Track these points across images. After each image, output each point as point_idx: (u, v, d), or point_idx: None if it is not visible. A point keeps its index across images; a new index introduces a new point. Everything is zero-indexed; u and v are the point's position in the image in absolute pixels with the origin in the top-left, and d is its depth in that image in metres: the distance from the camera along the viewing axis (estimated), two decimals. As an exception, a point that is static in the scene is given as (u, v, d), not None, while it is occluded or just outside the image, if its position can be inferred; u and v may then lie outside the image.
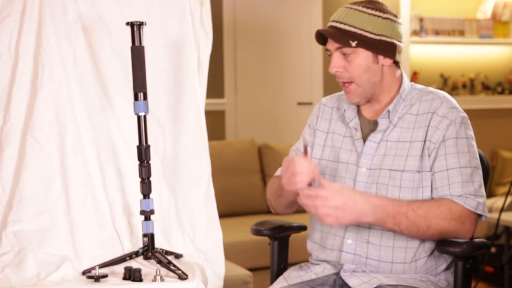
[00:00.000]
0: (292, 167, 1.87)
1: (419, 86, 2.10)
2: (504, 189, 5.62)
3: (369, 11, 1.98)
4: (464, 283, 1.94)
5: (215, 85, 5.13)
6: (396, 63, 2.04)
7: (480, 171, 1.99)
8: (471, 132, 2.01)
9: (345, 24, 1.97)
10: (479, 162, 2.00)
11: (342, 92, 2.18)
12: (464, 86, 5.96)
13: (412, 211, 1.90)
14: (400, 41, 2.02)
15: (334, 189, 1.86)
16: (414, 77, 5.75)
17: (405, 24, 5.61)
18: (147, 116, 2.16)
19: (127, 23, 2.12)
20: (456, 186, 1.93)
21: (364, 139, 2.05)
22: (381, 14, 1.99)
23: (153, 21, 2.33)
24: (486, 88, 6.03)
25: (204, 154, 2.40)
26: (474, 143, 2.01)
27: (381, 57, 2.00)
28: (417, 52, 5.75)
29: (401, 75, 2.08)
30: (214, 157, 2.57)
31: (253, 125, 5.48)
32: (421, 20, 5.72)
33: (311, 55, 5.55)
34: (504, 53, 6.14)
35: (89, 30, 2.29)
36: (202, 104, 2.42)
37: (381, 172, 1.99)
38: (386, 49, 1.99)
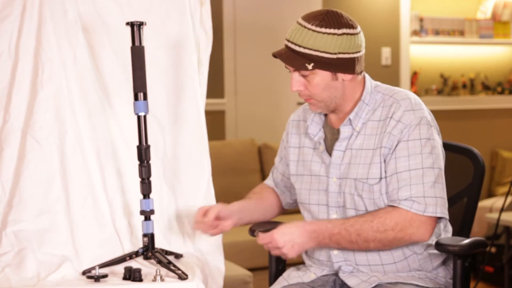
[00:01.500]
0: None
1: (383, 87, 2.04)
2: (504, 189, 5.62)
3: (323, 29, 1.90)
4: (463, 281, 1.94)
5: (215, 85, 5.13)
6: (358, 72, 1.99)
7: (436, 171, 1.93)
8: (428, 132, 1.94)
9: (299, 46, 1.92)
10: (436, 161, 1.93)
11: None
12: (464, 86, 5.95)
13: (345, 230, 1.92)
14: (359, 51, 1.96)
15: (272, 233, 1.95)
16: (414, 77, 5.75)
17: (405, 24, 5.60)
18: (147, 116, 2.16)
19: (127, 23, 2.12)
20: (404, 190, 1.91)
21: (330, 149, 2.04)
22: (336, 30, 1.91)
23: (153, 21, 2.33)
24: (486, 88, 6.02)
25: (204, 154, 2.40)
26: (431, 143, 1.94)
27: (340, 74, 1.96)
28: (417, 52, 5.75)
29: (364, 78, 2.04)
30: (214, 157, 2.57)
31: (253, 125, 5.47)
32: (421, 20, 5.72)
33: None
34: (504, 53, 6.13)
35: (89, 30, 2.29)
36: (202, 104, 2.42)
37: (347, 182, 1.98)
38: (344, 65, 1.94)
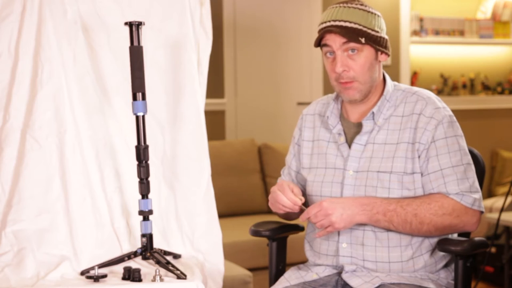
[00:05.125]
0: (277, 198, 2.00)
1: (403, 86, 2.09)
2: (504, 189, 5.62)
3: (364, 7, 1.99)
4: (464, 282, 1.94)
5: (215, 85, 5.12)
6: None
7: (472, 167, 2.00)
8: (459, 130, 2.02)
9: (349, 22, 1.96)
10: (470, 157, 2.01)
11: (323, 97, 2.21)
12: (464, 86, 5.95)
13: (401, 208, 1.93)
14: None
15: (321, 202, 1.94)
16: (414, 77, 5.75)
17: (405, 24, 5.60)
18: (147, 116, 2.16)
19: (126, 23, 2.12)
20: (452, 184, 1.95)
21: (349, 142, 2.05)
22: (373, 10, 2.00)
23: (153, 21, 2.33)
24: (486, 88, 6.02)
25: (204, 154, 2.39)
26: (463, 139, 2.01)
27: (379, 53, 2.01)
28: (417, 52, 5.75)
29: (384, 75, 2.09)
30: (214, 157, 2.57)
31: (253, 125, 5.47)
32: (421, 20, 5.72)
33: (311, 55, 5.55)
34: (504, 53, 6.13)
35: (88, 30, 2.30)
36: (202, 104, 2.42)
37: (369, 175, 1.99)
38: (384, 45, 2.01)
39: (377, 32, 1.99)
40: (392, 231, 1.97)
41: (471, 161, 2.01)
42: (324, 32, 1.98)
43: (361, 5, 1.99)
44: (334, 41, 1.97)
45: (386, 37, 2.03)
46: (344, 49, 1.97)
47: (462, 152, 1.98)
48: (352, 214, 1.92)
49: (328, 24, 1.98)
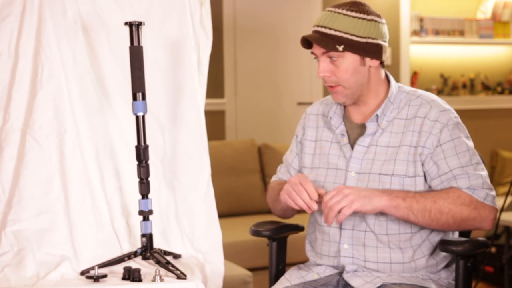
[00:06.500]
0: (297, 189, 1.94)
1: (407, 88, 2.09)
2: (504, 189, 5.62)
3: (353, 14, 1.96)
4: (465, 282, 1.94)
5: (215, 85, 5.12)
6: (381, 63, 2.04)
7: (483, 166, 2.00)
8: (465, 131, 2.02)
9: (330, 28, 1.96)
10: (479, 157, 2.01)
11: (326, 98, 2.21)
12: (464, 86, 5.95)
13: (420, 195, 1.92)
14: (385, 41, 2.01)
15: (338, 186, 1.92)
16: (414, 77, 5.75)
17: (405, 24, 5.60)
18: (147, 116, 2.16)
19: (126, 23, 2.12)
20: (463, 180, 1.94)
21: (352, 143, 2.05)
22: (365, 16, 1.97)
23: (153, 21, 2.33)
24: (486, 88, 6.02)
25: (204, 154, 2.39)
26: (470, 140, 2.01)
27: (367, 59, 1.99)
28: (417, 52, 5.75)
29: (387, 77, 2.08)
30: (214, 157, 2.57)
31: (253, 125, 5.47)
32: (421, 20, 5.72)
33: (311, 55, 5.55)
34: (504, 53, 6.13)
35: (88, 30, 2.29)
36: (202, 104, 2.42)
37: (370, 177, 1.99)
38: (373, 50, 1.98)
39: (364, 38, 1.95)
40: (411, 221, 1.93)
41: (480, 161, 2.00)
42: (304, 38, 1.99)
43: (352, 11, 1.97)
44: (315, 47, 2.00)
45: (376, 42, 1.98)
46: (326, 56, 1.98)
47: (471, 152, 1.98)
48: (371, 194, 1.89)
49: (313, 29, 2.00)
